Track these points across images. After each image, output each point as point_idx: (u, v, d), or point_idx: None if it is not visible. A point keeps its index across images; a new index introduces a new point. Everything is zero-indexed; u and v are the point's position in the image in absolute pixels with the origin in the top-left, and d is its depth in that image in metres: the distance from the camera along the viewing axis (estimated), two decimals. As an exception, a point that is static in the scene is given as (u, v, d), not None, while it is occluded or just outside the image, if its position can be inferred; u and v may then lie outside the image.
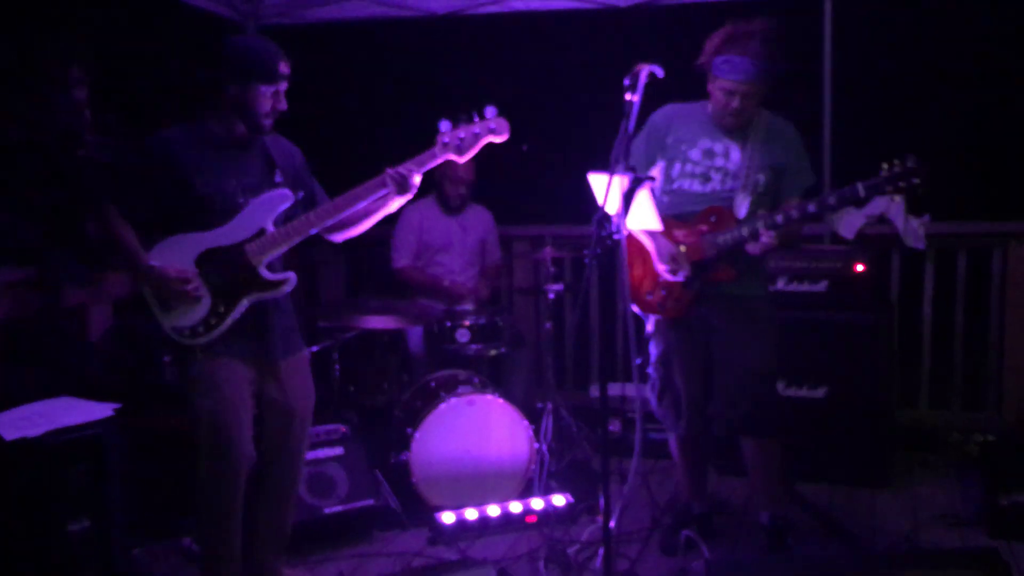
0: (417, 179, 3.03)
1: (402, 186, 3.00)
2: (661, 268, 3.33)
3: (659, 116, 3.41)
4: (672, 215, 3.36)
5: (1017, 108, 6.14)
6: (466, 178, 4.79)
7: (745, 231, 3.21)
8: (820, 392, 4.19)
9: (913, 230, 4.59)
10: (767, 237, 3.17)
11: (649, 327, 3.55)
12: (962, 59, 6.13)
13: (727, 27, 3.19)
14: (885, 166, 3.05)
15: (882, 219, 4.69)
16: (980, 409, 4.71)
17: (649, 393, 3.58)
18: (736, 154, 3.31)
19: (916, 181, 3.01)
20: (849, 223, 4.66)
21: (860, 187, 3.07)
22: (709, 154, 3.33)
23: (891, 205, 4.65)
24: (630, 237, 3.36)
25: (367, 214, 3.17)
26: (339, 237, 3.25)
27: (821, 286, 4.25)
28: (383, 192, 3.02)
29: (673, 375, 3.46)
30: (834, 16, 4.61)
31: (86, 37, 3.87)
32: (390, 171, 3.00)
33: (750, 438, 3.43)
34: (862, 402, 4.12)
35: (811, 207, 3.14)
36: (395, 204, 3.11)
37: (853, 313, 4.17)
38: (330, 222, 3.06)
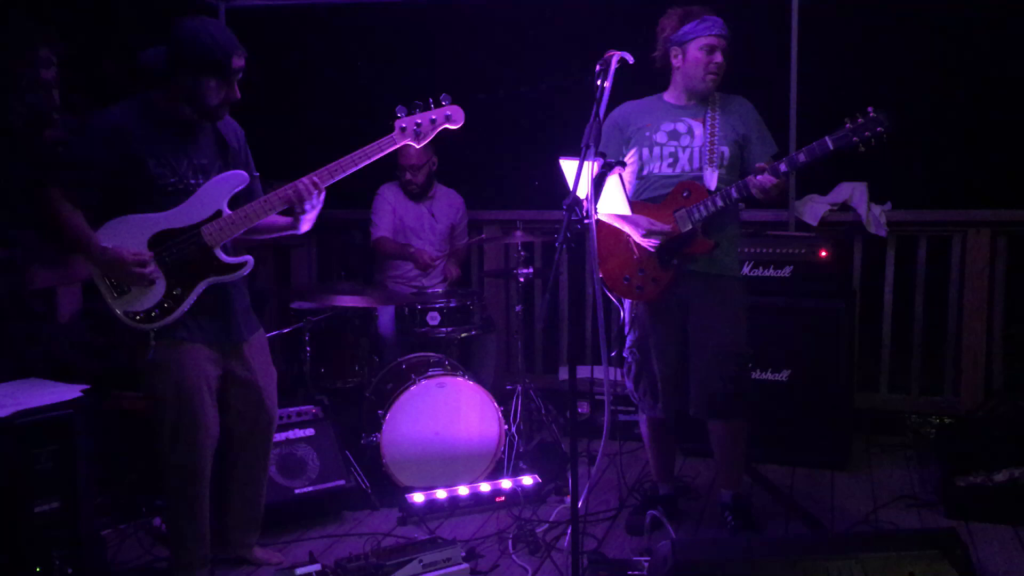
0: (318, 199, 2.99)
1: (298, 202, 2.96)
2: (645, 242, 3.33)
3: (617, 113, 3.47)
4: (644, 200, 3.40)
5: (978, 98, 6.25)
6: (418, 163, 4.77)
7: (719, 200, 3.27)
8: (783, 375, 4.27)
9: (875, 217, 4.68)
10: (744, 191, 3.23)
11: (625, 313, 3.57)
12: (925, 50, 6.22)
13: (674, 10, 3.34)
14: (848, 119, 3.10)
15: (845, 206, 4.78)
16: (938, 393, 4.80)
17: (625, 378, 3.61)
18: (699, 129, 3.37)
19: (880, 130, 3.06)
20: (813, 210, 4.74)
21: (828, 141, 3.12)
22: (674, 135, 3.39)
23: (854, 192, 4.74)
24: (603, 227, 3.39)
25: (275, 229, 3.14)
26: (255, 238, 3.17)
27: (786, 272, 4.32)
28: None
29: (650, 359, 3.48)
30: (800, 4, 4.65)
31: (55, 17, 3.83)
32: (301, 181, 2.96)
33: (720, 420, 3.50)
34: (824, 385, 4.20)
35: (782, 166, 3.18)
36: (304, 223, 3.06)
37: (816, 299, 4.24)
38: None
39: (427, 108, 3.01)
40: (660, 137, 3.39)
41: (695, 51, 3.30)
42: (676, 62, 3.36)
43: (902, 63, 6.27)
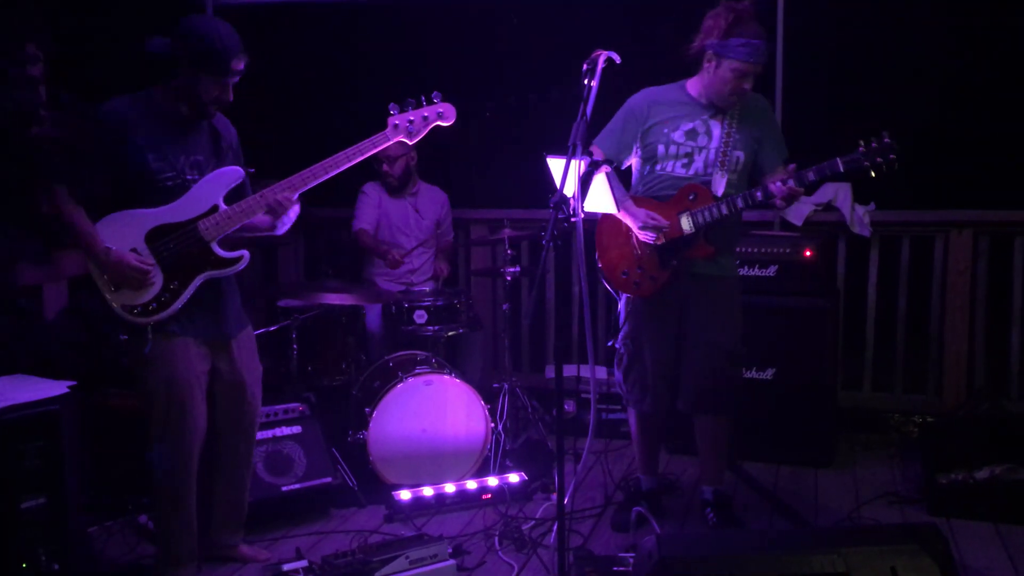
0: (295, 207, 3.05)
1: (272, 212, 3.02)
2: (642, 235, 3.32)
3: (639, 100, 3.42)
4: (652, 196, 3.41)
5: (961, 99, 6.30)
6: (394, 154, 4.74)
7: (724, 208, 3.27)
8: (768, 374, 4.30)
9: (859, 218, 4.72)
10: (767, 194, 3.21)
11: (621, 305, 3.57)
12: (908, 53, 6.26)
13: (726, 9, 3.19)
14: (862, 142, 3.11)
15: (829, 206, 4.82)
16: (920, 392, 4.83)
17: (616, 369, 3.62)
18: (717, 130, 3.34)
19: (893, 156, 3.08)
20: (797, 210, 4.77)
21: (839, 162, 3.12)
22: (692, 134, 3.36)
23: (839, 193, 4.77)
24: (607, 218, 3.40)
25: (259, 229, 3.17)
26: (244, 235, 3.21)
27: (770, 271, 4.35)
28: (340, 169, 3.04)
29: (643, 352, 3.49)
30: (785, 6, 4.68)
31: (42, 13, 3.82)
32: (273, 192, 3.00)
33: (707, 415, 3.51)
34: (808, 384, 4.23)
35: (791, 182, 3.17)
36: (281, 225, 3.13)
37: (801, 298, 4.27)
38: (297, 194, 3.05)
39: (419, 105, 3.05)
40: (678, 136, 3.36)
41: (728, 70, 3.21)
42: (708, 66, 3.28)
43: (886, 66, 6.31)
